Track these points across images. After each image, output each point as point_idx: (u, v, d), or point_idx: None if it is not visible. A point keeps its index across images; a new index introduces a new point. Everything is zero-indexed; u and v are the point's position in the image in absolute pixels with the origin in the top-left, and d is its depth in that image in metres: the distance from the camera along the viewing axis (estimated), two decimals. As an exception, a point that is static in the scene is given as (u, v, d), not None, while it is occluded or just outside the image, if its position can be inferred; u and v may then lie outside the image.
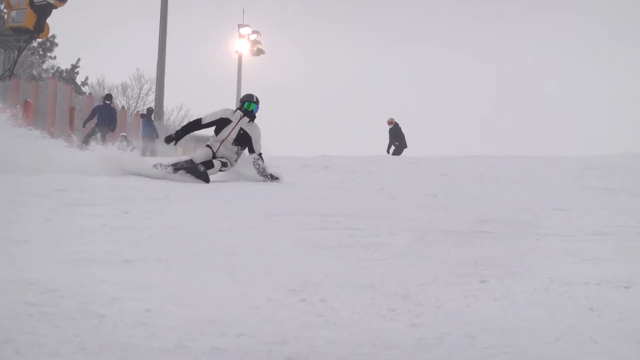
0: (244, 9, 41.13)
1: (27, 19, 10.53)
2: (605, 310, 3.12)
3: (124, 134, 20.89)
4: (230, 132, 9.20)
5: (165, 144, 9.41)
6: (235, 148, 9.26)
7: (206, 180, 8.70)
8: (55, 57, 31.76)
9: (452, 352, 2.52)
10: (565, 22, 78.90)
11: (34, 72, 29.41)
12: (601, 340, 2.69)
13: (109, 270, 3.55)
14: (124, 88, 39.54)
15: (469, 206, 7.64)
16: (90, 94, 31.68)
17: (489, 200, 8.30)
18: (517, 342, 2.64)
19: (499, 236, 5.39)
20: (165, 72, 27.82)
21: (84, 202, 6.17)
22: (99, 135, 18.61)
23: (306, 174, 11.29)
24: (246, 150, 9.39)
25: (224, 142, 9.20)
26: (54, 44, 31.39)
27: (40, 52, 31.37)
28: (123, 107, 29.46)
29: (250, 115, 9.28)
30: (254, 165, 9.19)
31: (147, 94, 39.79)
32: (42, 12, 10.53)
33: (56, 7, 10.67)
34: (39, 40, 22.93)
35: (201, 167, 8.83)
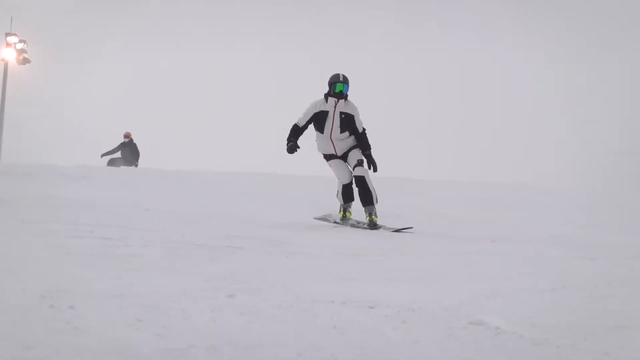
0: (12, 18, 38.05)
1: None
2: (349, 329, 3.29)
3: None
4: (332, 123, 8.41)
5: (288, 154, 8.48)
6: (346, 134, 8.44)
7: (376, 227, 8.14)
8: None
9: (196, 364, 2.59)
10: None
11: None
12: (342, 358, 2.88)
13: None
14: None
15: (222, 222, 7.80)
16: None
17: (240, 217, 8.51)
18: (260, 357, 2.78)
19: (249, 252, 5.59)
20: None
21: None
22: None
23: (65, 183, 10.85)
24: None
25: (333, 137, 8.44)
26: None
27: None
28: None
29: (342, 96, 8.38)
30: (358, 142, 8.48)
31: None
32: None
33: None
34: None
35: (373, 223, 8.18)
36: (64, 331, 2.76)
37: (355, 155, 8.44)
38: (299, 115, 8.53)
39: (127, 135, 21.72)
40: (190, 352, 2.71)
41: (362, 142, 8.41)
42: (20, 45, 32.44)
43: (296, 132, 8.45)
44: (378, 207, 8.31)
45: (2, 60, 29.57)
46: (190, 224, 7.23)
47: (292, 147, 8.38)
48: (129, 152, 21.54)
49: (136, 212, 8.10)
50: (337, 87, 8.35)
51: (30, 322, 2.83)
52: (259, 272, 4.69)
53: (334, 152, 8.52)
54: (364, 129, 8.45)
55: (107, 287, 3.64)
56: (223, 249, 5.56)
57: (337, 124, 8.35)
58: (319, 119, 8.41)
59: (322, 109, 8.40)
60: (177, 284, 3.93)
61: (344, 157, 8.54)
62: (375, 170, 8.32)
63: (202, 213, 8.52)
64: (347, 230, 8.01)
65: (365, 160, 8.42)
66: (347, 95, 8.39)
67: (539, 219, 10.74)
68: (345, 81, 8.39)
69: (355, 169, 8.35)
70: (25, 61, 32.59)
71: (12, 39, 32.35)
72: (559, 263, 5.96)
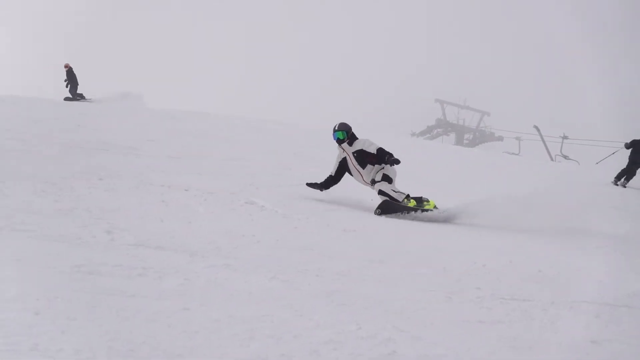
0: None
1: None
2: (172, 203, 6.23)
3: None
4: (353, 165, 9.09)
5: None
6: (370, 167, 9.02)
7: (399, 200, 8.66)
8: None
9: None
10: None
11: None
12: (168, 220, 5.79)
13: None
14: None
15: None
16: None
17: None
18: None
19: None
20: None
21: None
22: None
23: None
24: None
25: (361, 176, 9.07)
26: None
27: None
28: None
29: (341, 142, 9.12)
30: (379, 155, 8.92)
31: None
32: None
33: None
34: None
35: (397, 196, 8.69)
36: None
37: (373, 175, 9.10)
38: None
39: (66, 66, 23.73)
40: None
41: (380, 157, 8.92)
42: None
43: (334, 182, 9.19)
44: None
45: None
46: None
47: (314, 186, 9.15)
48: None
49: None
50: (337, 136, 9.11)
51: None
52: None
53: (369, 185, 9.07)
54: (379, 148, 8.97)
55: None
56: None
57: (356, 165, 9.05)
58: (343, 166, 9.19)
59: (341, 155, 9.18)
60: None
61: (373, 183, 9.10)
62: (394, 163, 8.81)
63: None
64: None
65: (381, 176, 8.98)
66: (345, 139, 9.10)
67: None
68: (341, 128, 9.17)
69: (375, 185, 8.99)
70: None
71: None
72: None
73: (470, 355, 3.44)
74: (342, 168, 9.16)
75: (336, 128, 9.14)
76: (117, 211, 5.92)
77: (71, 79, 24.40)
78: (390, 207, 8.54)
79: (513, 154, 39.01)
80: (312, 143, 15.44)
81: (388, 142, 10.91)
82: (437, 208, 8.56)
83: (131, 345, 3.08)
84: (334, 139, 9.09)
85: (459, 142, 53.84)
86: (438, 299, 4.45)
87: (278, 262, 4.89)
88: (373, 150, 8.92)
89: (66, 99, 23.61)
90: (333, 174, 9.16)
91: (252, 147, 13.36)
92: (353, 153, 9.04)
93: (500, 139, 53.72)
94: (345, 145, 9.09)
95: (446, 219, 8.28)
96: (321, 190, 9.08)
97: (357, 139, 9.12)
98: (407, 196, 8.75)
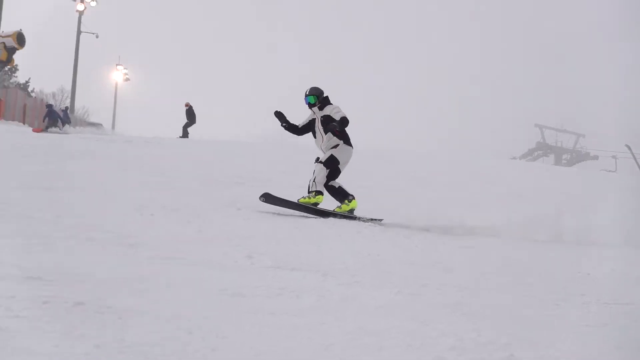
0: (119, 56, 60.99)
1: (2, 55, 16.41)
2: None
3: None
4: (318, 128, 9.18)
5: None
6: (330, 135, 9.06)
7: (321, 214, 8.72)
8: (17, 76, 55.08)
9: None
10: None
11: (5, 84, 49.31)
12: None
13: None
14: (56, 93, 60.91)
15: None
16: (35, 97, 51.48)
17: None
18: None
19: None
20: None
21: None
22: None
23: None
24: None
25: (322, 140, 9.15)
26: (16, 69, 53.59)
27: (8, 73, 52.92)
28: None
29: (312, 106, 9.17)
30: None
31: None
32: (11, 52, 16.51)
33: (18, 49, 16.65)
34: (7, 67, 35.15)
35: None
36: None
37: (327, 146, 9.09)
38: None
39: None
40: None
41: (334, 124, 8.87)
42: (125, 71, 59.75)
43: (292, 126, 9.28)
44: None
45: (115, 82, 41.79)
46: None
47: (282, 118, 9.26)
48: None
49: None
50: (308, 100, 9.13)
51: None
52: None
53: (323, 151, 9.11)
54: (343, 117, 8.89)
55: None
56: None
57: (321, 128, 9.06)
58: (310, 126, 9.25)
59: (312, 117, 9.21)
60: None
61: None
62: (336, 128, 8.82)
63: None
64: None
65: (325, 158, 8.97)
66: (315, 104, 9.11)
67: None
68: (312, 93, 9.15)
69: (318, 161, 9.06)
70: (127, 79, 59.35)
71: (120, 68, 59.01)
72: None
73: (583, 357, 3.63)
74: (308, 127, 9.26)
75: (307, 93, 9.21)
76: (254, 238, 6.43)
77: (189, 116, 26.35)
78: (273, 199, 8.59)
79: (610, 171, 40.24)
80: (430, 168, 15.68)
81: (492, 168, 11.40)
82: (353, 210, 8.59)
83: (275, 358, 3.44)
84: (305, 102, 9.17)
85: (557, 162, 57.13)
86: (547, 305, 4.67)
87: (402, 278, 5.20)
88: (338, 117, 8.90)
89: (182, 136, 25.71)
90: (299, 126, 9.29)
91: (380, 173, 13.75)
92: (320, 117, 9.11)
93: (596, 157, 57.79)
94: (315, 109, 9.16)
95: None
96: (282, 125, 9.20)
97: (329, 104, 9.15)
98: (318, 192, 8.73)
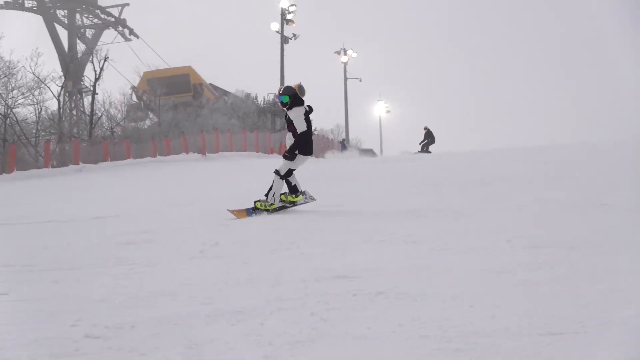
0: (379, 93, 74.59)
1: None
2: None
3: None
4: (286, 124, 9.92)
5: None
6: (290, 134, 9.80)
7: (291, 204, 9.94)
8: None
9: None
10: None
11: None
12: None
13: None
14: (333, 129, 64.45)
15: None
16: (317, 134, 53.43)
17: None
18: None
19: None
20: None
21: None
22: None
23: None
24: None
25: (286, 136, 10.01)
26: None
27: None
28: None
29: (284, 105, 9.70)
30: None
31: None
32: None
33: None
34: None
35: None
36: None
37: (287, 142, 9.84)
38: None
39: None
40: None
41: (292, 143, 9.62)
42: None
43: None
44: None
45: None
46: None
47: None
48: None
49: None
50: (281, 99, 9.64)
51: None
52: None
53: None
54: (300, 133, 9.59)
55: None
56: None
57: (286, 125, 9.81)
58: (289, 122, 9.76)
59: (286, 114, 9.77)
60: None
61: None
62: (286, 153, 9.66)
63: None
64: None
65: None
66: (285, 105, 9.65)
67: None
68: (284, 92, 9.62)
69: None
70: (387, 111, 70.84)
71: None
72: None
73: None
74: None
75: (280, 92, 9.67)
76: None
77: (429, 137, 33.39)
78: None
79: None
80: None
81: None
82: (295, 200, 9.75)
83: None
84: (278, 101, 9.67)
85: None
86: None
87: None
88: (296, 126, 9.58)
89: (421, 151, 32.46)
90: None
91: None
92: (286, 117, 9.70)
93: None
94: (287, 108, 9.64)
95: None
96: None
97: (299, 106, 9.65)
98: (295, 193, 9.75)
